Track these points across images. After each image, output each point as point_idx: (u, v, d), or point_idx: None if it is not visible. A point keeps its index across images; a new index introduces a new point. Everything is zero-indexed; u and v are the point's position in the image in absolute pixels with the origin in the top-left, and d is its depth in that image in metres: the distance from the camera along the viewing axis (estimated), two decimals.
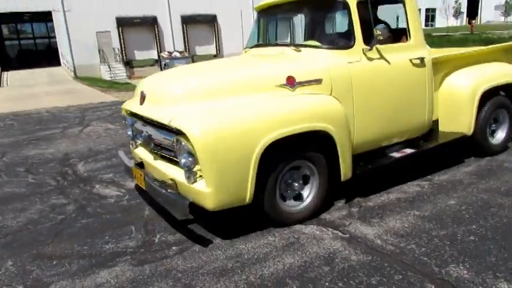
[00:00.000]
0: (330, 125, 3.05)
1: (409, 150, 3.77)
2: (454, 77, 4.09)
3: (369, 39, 3.34)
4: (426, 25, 44.52)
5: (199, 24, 27.28)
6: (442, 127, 4.12)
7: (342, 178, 3.24)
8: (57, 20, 23.95)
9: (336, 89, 3.20)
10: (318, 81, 3.15)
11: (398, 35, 3.78)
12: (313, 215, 3.23)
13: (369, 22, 3.34)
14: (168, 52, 25.88)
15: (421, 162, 4.30)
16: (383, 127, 3.54)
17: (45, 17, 25.16)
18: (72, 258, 2.89)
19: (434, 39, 23.54)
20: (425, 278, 2.41)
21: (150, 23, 25.88)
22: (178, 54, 25.52)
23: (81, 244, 3.09)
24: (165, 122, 2.82)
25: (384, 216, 3.24)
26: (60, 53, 25.23)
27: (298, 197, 3.21)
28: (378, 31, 3.28)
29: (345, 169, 3.23)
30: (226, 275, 2.58)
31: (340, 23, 3.76)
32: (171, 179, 2.93)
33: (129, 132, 3.60)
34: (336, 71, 3.22)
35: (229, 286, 2.47)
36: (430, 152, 4.04)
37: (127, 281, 2.58)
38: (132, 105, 3.49)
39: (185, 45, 27.10)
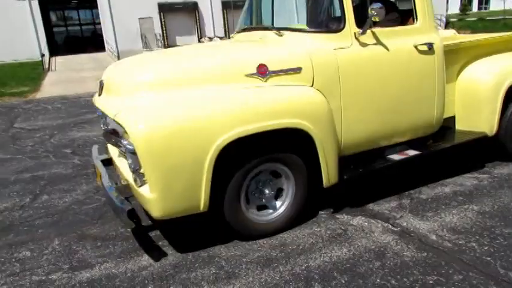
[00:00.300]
0: (308, 122, 2.62)
1: (412, 152, 3.26)
2: (475, 68, 3.54)
3: (364, 21, 2.88)
4: (479, 8, 42.03)
5: (240, 9, 27.11)
6: (460, 125, 3.60)
7: (324, 184, 2.81)
8: (102, 6, 24.57)
9: (318, 79, 2.76)
10: (296, 70, 2.72)
11: (409, 17, 3.29)
12: (289, 225, 2.85)
13: (364, 1, 2.89)
14: (209, 37, 25.94)
15: (477, 154, 3.99)
16: (378, 125, 3.05)
17: (91, 3, 25.89)
18: (116, 240, 2.90)
19: (487, 23, 22.14)
20: (489, 280, 2.20)
21: (191, 8, 26.01)
22: (218, 40, 25.56)
23: (124, 226, 3.09)
24: (111, 115, 2.52)
25: (439, 210, 3.02)
26: (104, 39, 25.94)
27: (271, 205, 2.84)
28: (373, 11, 2.75)
29: (328, 173, 2.79)
30: (270, 265, 2.48)
31: (329, 1, 3.23)
32: (126, 180, 2.65)
33: (102, 125, 3.23)
34: (319, 58, 2.78)
35: (274, 277, 2.37)
36: (484, 144, 3.66)
37: (170, 266, 2.54)
38: (96, 95, 3.16)
39: (225, 31, 27.07)
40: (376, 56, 2.97)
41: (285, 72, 2.71)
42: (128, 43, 24.55)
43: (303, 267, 2.44)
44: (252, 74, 2.64)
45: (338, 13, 2.96)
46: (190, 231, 2.94)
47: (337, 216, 3.03)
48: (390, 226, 2.84)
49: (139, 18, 24.98)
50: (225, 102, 2.48)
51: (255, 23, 3.62)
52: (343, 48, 2.86)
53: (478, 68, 3.54)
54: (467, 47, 3.56)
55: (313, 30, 2.97)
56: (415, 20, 3.18)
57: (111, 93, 2.75)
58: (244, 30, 3.54)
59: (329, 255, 2.55)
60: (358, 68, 2.90)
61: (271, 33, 3.09)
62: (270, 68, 2.67)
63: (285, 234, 2.82)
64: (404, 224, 2.86)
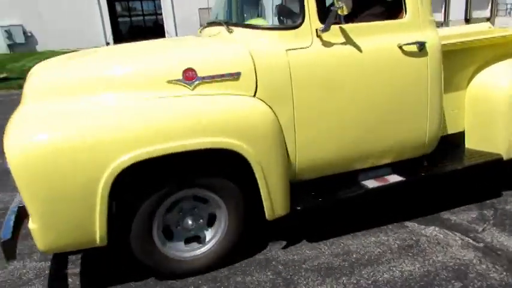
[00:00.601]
0: (240, 141, 2.12)
1: (394, 178, 2.65)
2: (490, 72, 2.85)
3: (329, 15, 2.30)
4: None
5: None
6: (470, 143, 2.96)
7: (268, 216, 2.31)
8: None
9: (263, 87, 2.24)
10: (234, 76, 2.21)
11: (400, 11, 2.59)
12: (220, 262, 2.38)
13: None
14: None
15: None
16: (345, 144, 2.47)
17: None
18: None
19: None
20: None
21: None
22: None
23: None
24: (5, 129, 2.10)
25: None
26: (165, 29, 26.68)
27: (199, 239, 2.37)
28: (340, 2, 2.20)
29: (272, 203, 2.29)
30: (332, 275, 2.26)
31: None
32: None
33: None
34: (264, 61, 2.25)
35: None
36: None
37: (224, 267, 2.39)
38: None
39: None
40: (343, 58, 2.38)
41: (219, 78, 2.20)
42: (187, 33, 25.01)
43: (370, 281, 2.19)
44: (177, 81, 2.16)
45: (294, 4, 2.38)
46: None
47: (407, 224, 2.73)
48: (471, 240, 2.50)
49: (199, 9, 25.33)
50: (129, 116, 2.04)
51: (236, 15, 3.07)
52: (299, 48, 2.30)
53: (494, 72, 2.85)
54: (482, 46, 2.86)
55: (263, 26, 2.50)
56: (404, 12, 2.53)
57: (22, 99, 2.26)
58: (210, 24, 2.98)
59: (399, 269, 2.28)
60: (318, 73, 2.33)
61: (224, 29, 2.60)
62: (200, 74, 2.18)
63: (349, 241, 2.57)
64: (489, 239, 2.50)
